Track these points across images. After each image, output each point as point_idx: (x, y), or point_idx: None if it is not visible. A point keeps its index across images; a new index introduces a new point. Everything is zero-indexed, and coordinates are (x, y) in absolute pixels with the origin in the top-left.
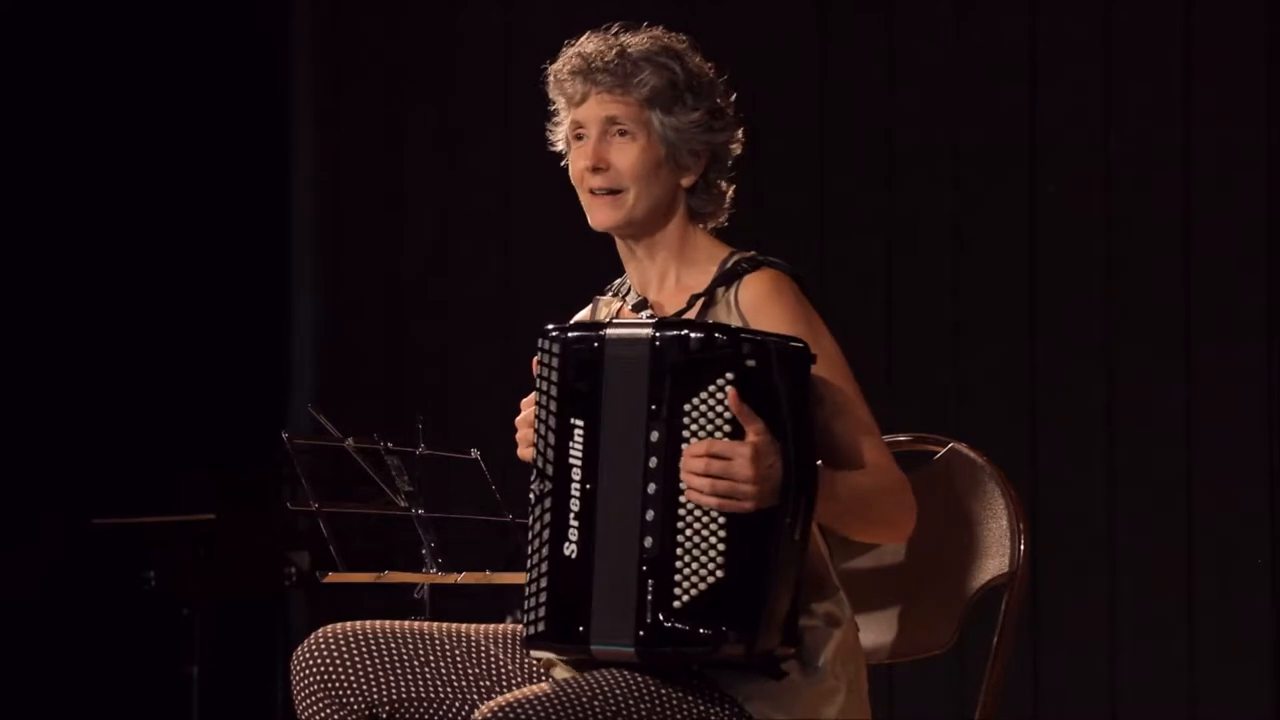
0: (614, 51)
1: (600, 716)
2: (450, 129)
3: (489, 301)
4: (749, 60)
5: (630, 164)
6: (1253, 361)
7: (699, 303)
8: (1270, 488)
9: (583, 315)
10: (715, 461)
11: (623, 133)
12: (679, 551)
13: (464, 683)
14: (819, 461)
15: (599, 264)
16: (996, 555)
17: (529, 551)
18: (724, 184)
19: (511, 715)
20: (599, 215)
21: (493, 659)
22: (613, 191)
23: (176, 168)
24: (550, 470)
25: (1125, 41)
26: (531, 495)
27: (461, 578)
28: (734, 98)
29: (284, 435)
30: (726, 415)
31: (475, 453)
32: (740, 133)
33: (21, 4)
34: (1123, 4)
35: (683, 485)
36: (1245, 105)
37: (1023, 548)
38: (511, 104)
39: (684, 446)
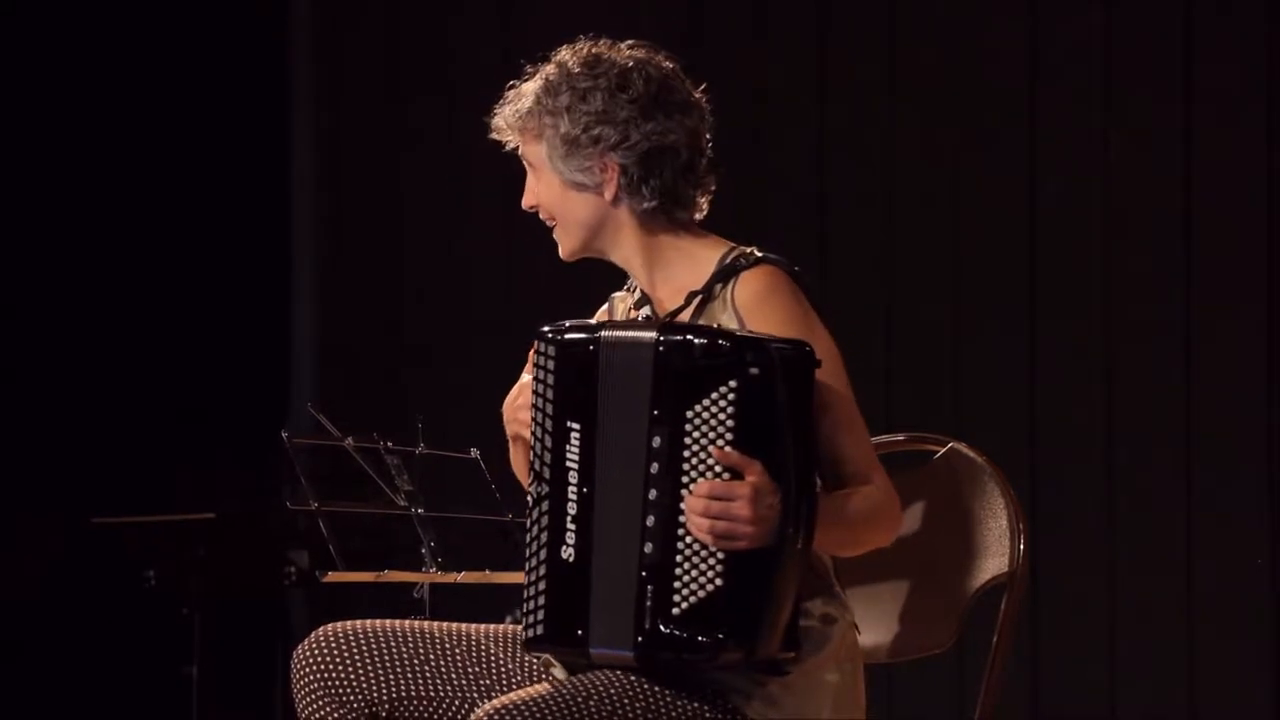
0: (511, 97)
1: (596, 717)
2: (450, 129)
3: (489, 301)
4: (749, 59)
5: (543, 196)
6: (1253, 362)
7: (696, 300)
8: (1270, 488)
9: (601, 313)
10: (715, 503)
11: (533, 169)
12: (679, 559)
13: (464, 682)
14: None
15: (598, 264)
16: (996, 555)
17: (527, 554)
18: (667, 176)
19: (508, 717)
20: (560, 248)
21: (493, 658)
22: (555, 223)
23: (176, 168)
24: (547, 473)
25: (1125, 41)
26: (529, 498)
27: (461, 578)
28: (689, 82)
29: (284, 435)
30: (729, 423)
31: (475, 453)
32: (674, 119)
33: (21, 4)
34: (1123, 4)
35: (684, 493)
36: (1245, 105)
37: (1023, 548)
38: None
39: (685, 453)
